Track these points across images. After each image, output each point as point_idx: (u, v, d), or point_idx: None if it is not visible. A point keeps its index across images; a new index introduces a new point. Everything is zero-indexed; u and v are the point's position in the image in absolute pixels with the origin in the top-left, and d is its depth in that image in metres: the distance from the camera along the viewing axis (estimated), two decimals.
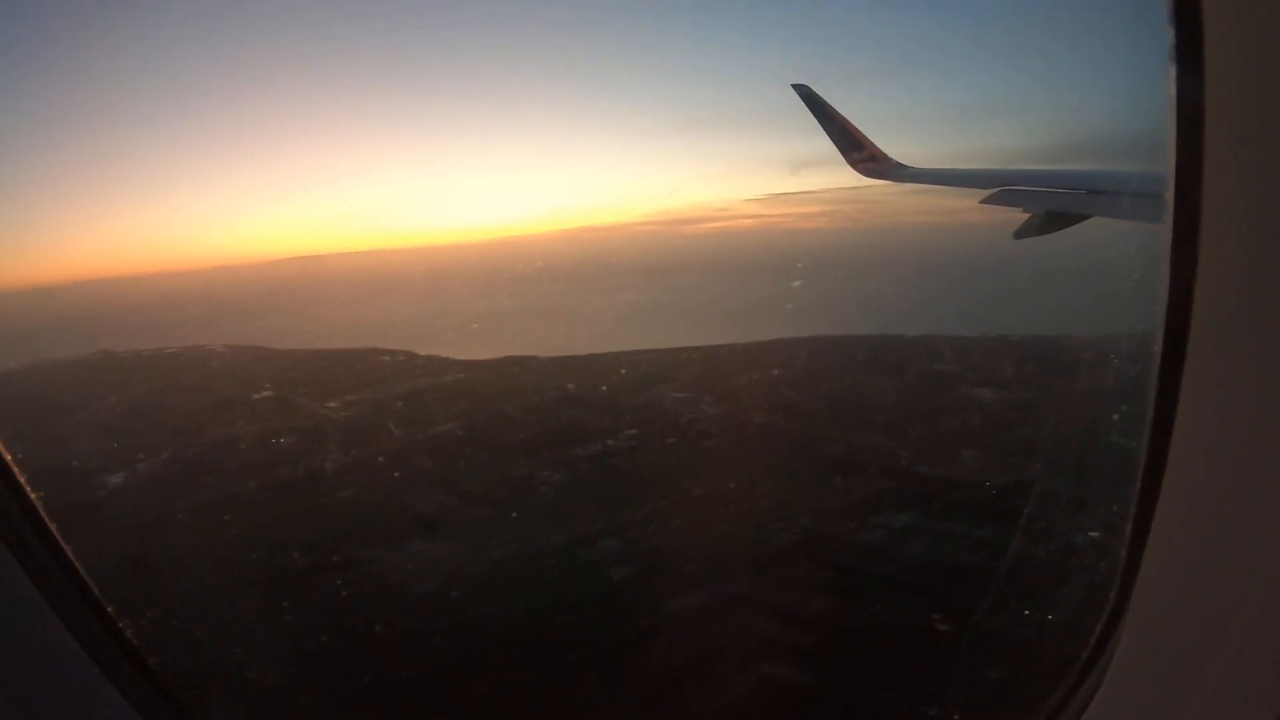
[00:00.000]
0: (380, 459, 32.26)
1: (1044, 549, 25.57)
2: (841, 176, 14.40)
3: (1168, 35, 1.79)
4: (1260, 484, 1.97)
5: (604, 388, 38.30)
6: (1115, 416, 25.16)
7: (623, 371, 40.47)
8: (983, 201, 11.51)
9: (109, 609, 2.66)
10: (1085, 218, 10.09)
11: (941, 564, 24.94)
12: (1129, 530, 2.71)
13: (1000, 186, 11.65)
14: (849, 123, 14.42)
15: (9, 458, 2.41)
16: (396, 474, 31.05)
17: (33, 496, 2.44)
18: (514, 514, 28.39)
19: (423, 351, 44.85)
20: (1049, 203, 10.64)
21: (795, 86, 14.40)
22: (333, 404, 37.54)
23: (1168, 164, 1.95)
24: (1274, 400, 1.89)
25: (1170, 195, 1.95)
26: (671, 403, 36.18)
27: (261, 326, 55.79)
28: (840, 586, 24.13)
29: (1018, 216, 11.12)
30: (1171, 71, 1.81)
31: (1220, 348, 1.98)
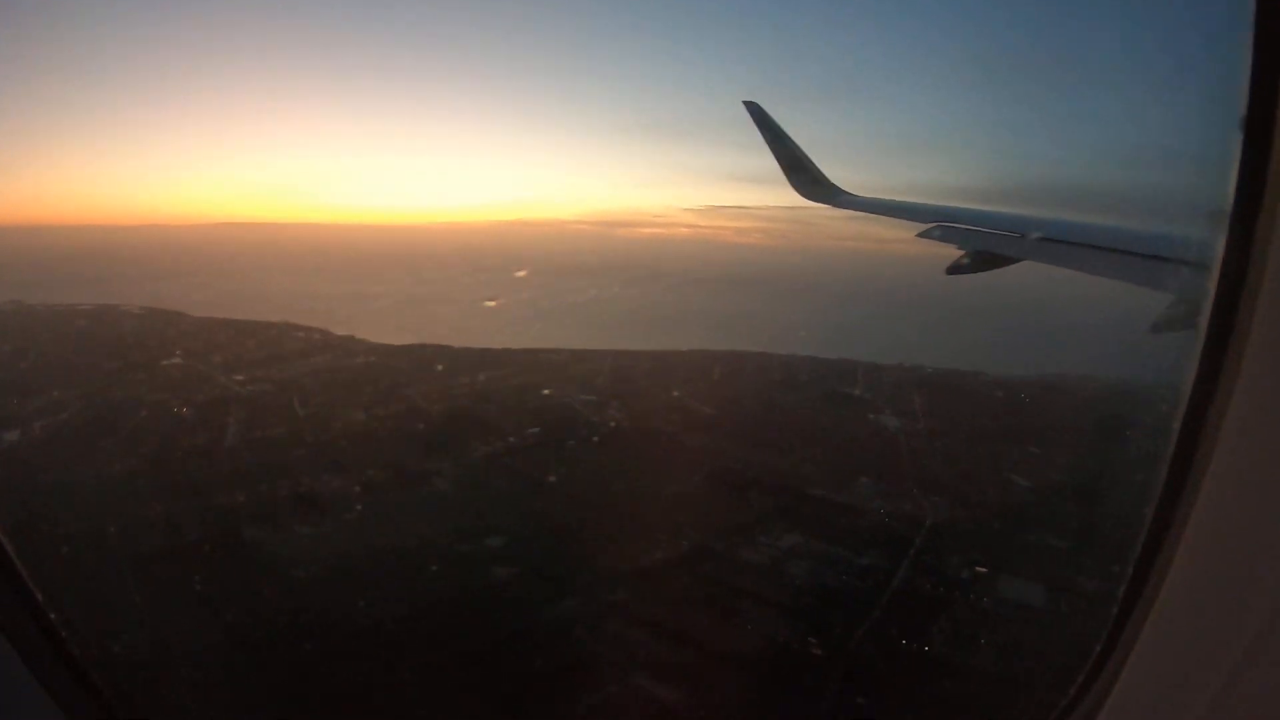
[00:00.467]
0: (278, 438, 31.63)
1: (929, 581, 25.72)
2: (781, 195, 14.26)
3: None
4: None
5: (514, 384, 37.84)
6: (1015, 455, 25.42)
7: (536, 369, 40.02)
8: (919, 235, 11.44)
9: None
10: (1017, 260, 9.89)
11: (823, 588, 24.93)
12: (1145, 536, 2.72)
13: (937, 221, 11.52)
14: (795, 144, 14.28)
15: None
16: (292, 454, 30.37)
17: None
18: (402, 504, 27.92)
19: (339, 331, 44.19)
20: (983, 243, 10.48)
21: (746, 104, 14.49)
22: (240, 377, 36.81)
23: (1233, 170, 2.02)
24: None
25: (1230, 201, 2.02)
26: (580, 405, 35.79)
27: (184, 291, 54.65)
28: (717, 603, 23.96)
29: (951, 253, 10.94)
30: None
31: (1265, 364, 1.98)
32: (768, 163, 14.15)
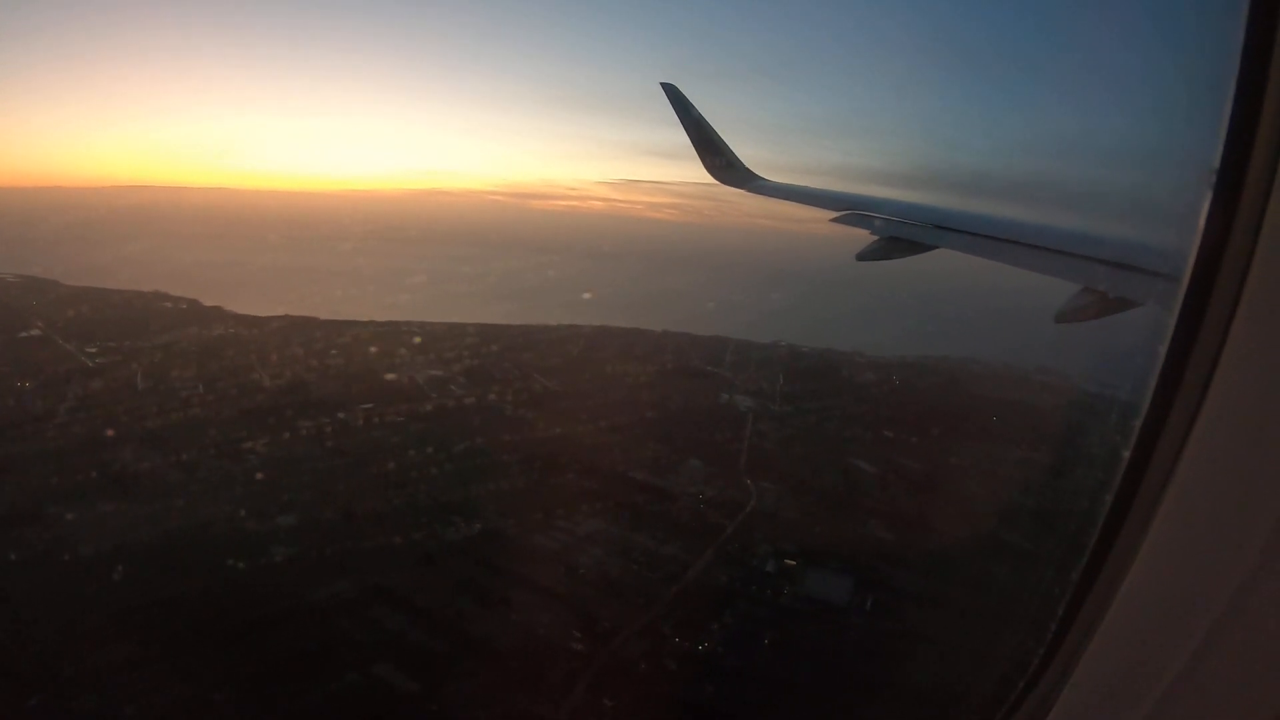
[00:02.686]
0: (109, 412, 30.89)
1: (726, 574, 24.92)
2: (696, 172, 13.73)
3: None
4: (1238, 493, 2.05)
5: (364, 357, 37.06)
6: (867, 438, 24.54)
7: (393, 342, 39.25)
8: (833, 220, 11.29)
9: None
10: (928, 248, 9.67)
11: (607, 579, 23.79)
12: (1096, 537, 2.50)
13: (849, 209, 11.40)
14: (711, 127, 13.86)
15: None
16: (119, 429, 29.67)
17: None
18: (208, 481, 27.15)
19: (208, 301, 43.69)
20: (894, 230, 10.24)
21: (664, 85, 14.14)
22: (92, 349, 36.08)
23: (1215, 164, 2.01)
24: (1255, 414, 2.01)
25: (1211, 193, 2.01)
26: (423, 380, 35.02)
27: (67, 257, 53.95)
28: (488, 590, 23.02)
29: (864, 238, 10.38)
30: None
31: (1241, 364, 2.02)
32: (684, 138, 13.93)
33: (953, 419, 34.76)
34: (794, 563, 24.91)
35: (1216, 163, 2.00)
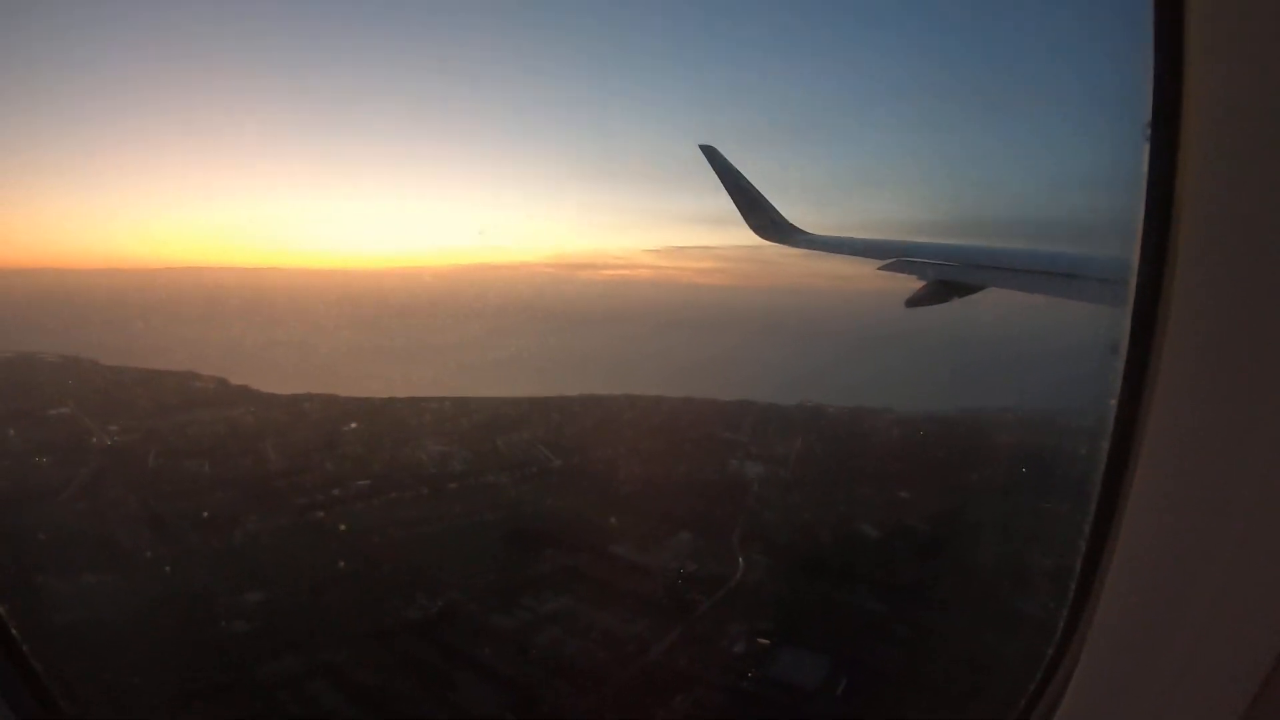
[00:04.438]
0: (115, 487, 31.40)
1: (689, 655, 23.66)
2: (742, 235, 14.18)
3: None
4: (1220, 488, 2.10)
5: (373, 434, 37.00)
6: (878, 501, 23.48)
7: (407, 418, 39.24)
8: (880, 269, 11.37)
9: None
10: (978, 289, 9.88)
11: (561, 661, 22.67)
12: (1088, 539, 2.65)
13: (895, 256, 11.51)
14: (751, 185, 14.19)
15: None
16: (120, 504, 30.12)
17: None
18: (190, 555, 27.24)
19: (236, 380, 43.88)
20: (942, 273, 10.47)
21: (702, 147, 14.38)
22: (114, 427, 36.64)
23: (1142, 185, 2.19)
24: (1235, 411, 2.06)
25: (1142, 207, 2.20)
26: (426, 456, 34.74)
27: (109, 338, 55.20)
28: (433, 670, 22.27)
29: (912, 285, 10.59)
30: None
31: (1186, 359, 2.12)
32: (728, 203, 14.21)
33: (976, 475, 33.14)
34: (766, 642, 23.61)
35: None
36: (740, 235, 13.99)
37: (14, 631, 2.79)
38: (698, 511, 30.58)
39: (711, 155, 14.17)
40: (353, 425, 37.67)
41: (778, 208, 14.18)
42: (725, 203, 14.07)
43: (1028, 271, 9.26)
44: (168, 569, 26.36)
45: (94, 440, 35.52)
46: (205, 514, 29.54)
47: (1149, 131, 2.11)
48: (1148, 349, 2.22)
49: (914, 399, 45.11)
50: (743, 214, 14.08)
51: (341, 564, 27.06)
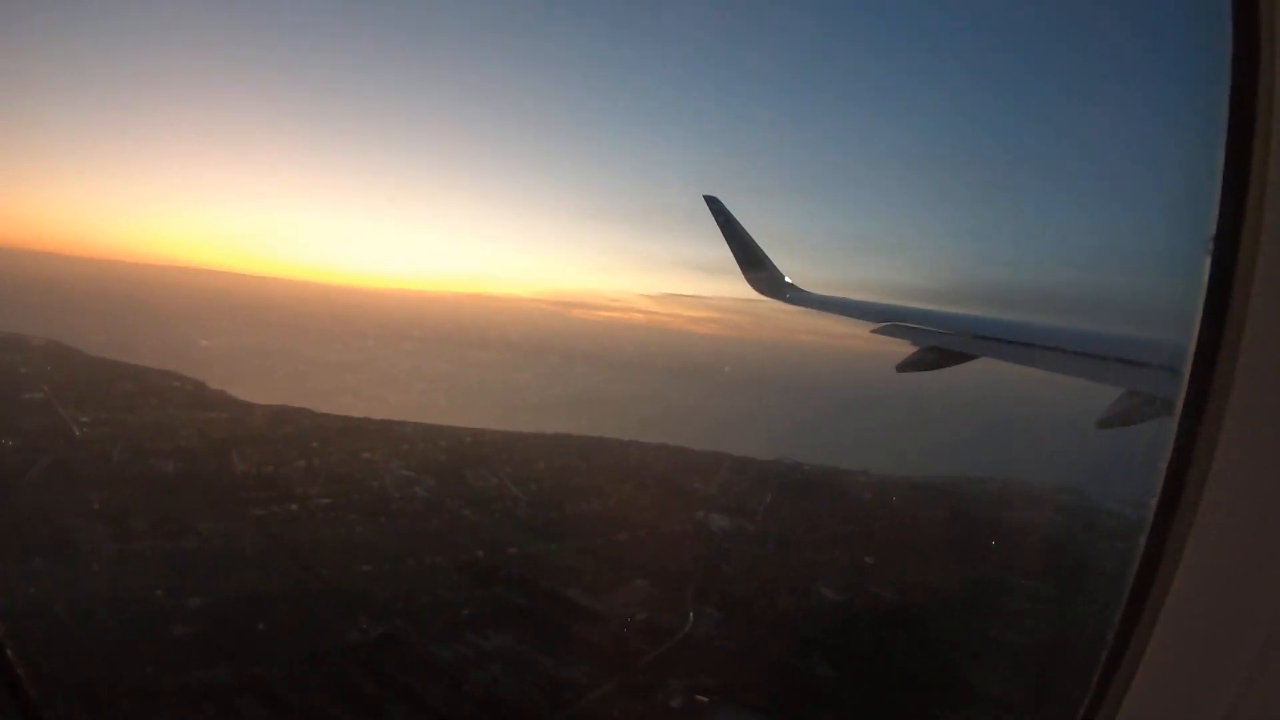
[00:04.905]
0: (72, 479, 31.06)
1: (624, 704, 23.05)
2: (738, 287, 14.17)
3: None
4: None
5: (343, 452, 36.72)
6: (841, 563, 23.07)
7: (377, 440, 38.82)
8: (873, 331, 11.48)
9: None
10: (969, 358, 9.81)
11: (492, 698, 22.08)
12: (1148, 544, 2.59)
13: (889, 320, 11.64)
14: (752, 239, 14.26)
15: None
16: (74, 497, 29.72)
17: None
18: (141, 556, 26.90)
19: (214, 385, 44.02)
20: (935, 340, 10.43)
21: (707, 198, 14.51)
22: (86, 419, 36.41)
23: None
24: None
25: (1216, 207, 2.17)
26: (391, 481, 34.44)
27: (98, 328, 55.47)
28: (363, 698, 21.85)
29: (904, 350, 10.45)
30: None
31: (1257, 367, 2.12)
32: (726, 253, 14.29)
33: (946, 543, 32.90)
34: (705, 699, 23.10)
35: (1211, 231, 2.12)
36: (736, 287, 14.05)
37: None
38: (657, 560, 30.12)
39: (714, 206, 14.24)
40: (323, 442, 37.34)
41: (776, 263, 14.23)
42: (723, 253, 14.15)
43: (1022, 344, 9.36)
44: (111, 565, 26.04)
45: (63, 429, 35.28)
46: (158, 514, 29.21)
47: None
48: (1216, 358, 2.19)
49: (893, 463, 45.00)
50: (741, 267, 14.15)
51: (288, 579, 26.66)
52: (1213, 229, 2.13)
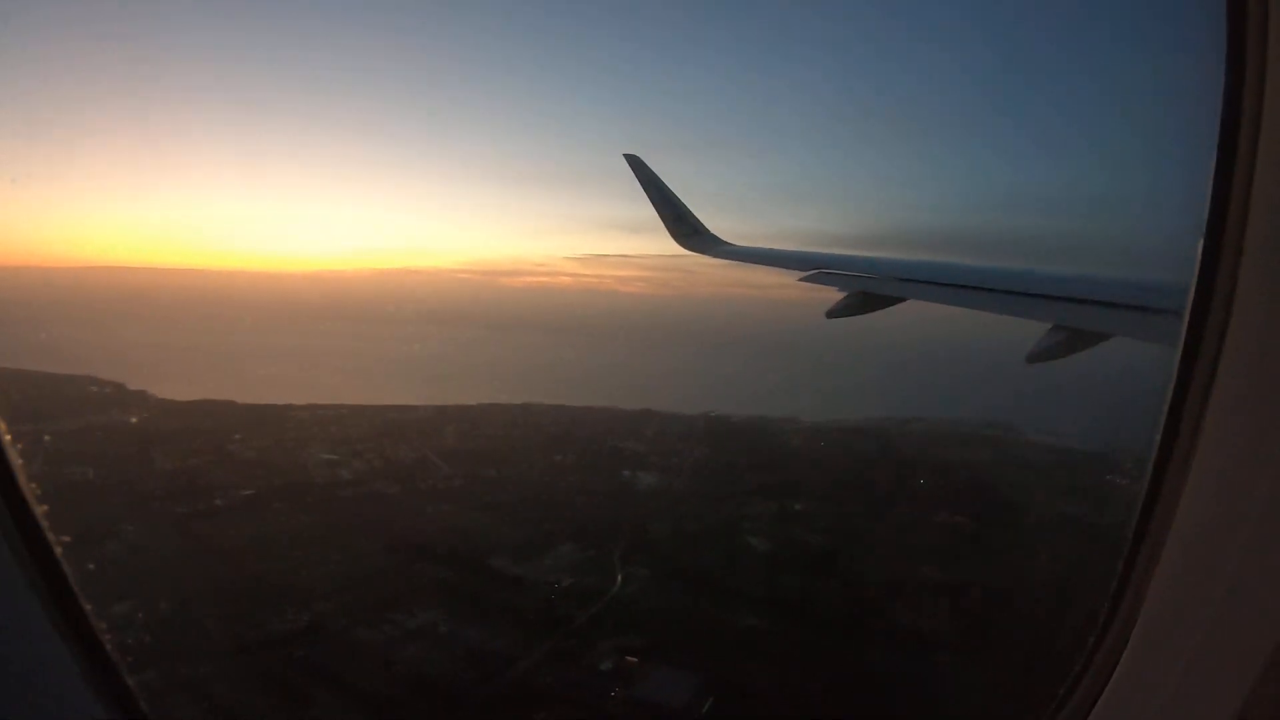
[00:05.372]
0: None
1: (553, 674, 22.97)
2: (664, 243, 14.30)
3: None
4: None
5: (266, 441, 36.33)
6: (771, 513, 23.09)
7: (302, 426, 38.46)
8: (801, 279, 11.59)
9: None
10: (897, 301, 10.04)
11: (419, 676, 22.02)
12: (1133, 542, 2.52)
13: (815, 269, 11.75)
14: (674, 195, 14.43)
15: None
16: None
17: None
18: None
19: (134, 385, 43.04)
20: (863, 285, 10.60)
21: (627, 156, 14.61)
22: None
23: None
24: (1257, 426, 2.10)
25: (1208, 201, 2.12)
26: (314, 465, 34.13)
27: (8, 339, 54.24)
28: (288, 686, 21.70)
29: (833, 297, 10.64)
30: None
31: (1244, 371, 2.11)
32: (649, 211, 14.45)
33: (875, 485, 33.17)
34: (634, 660, 23.13)
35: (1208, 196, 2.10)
36: (662, 244, 14.12)
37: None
38: (584, 523, 30.17)
39: (636, 165, 14.38)
40: (245, 433, 36.93)
41: (702, 218, 14.33)
42: (647, 210, 14.30)
43: (947, 285, 9.44)
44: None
45: None
46: (80, 523, 28.66)
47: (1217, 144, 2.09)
48: (1199, 345, 2.19)
49: (821, 409, 45.34)
50: (666, 223, 14.25)
51: (212, 576, 26.39)
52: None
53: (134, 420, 38.31)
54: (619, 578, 26.68)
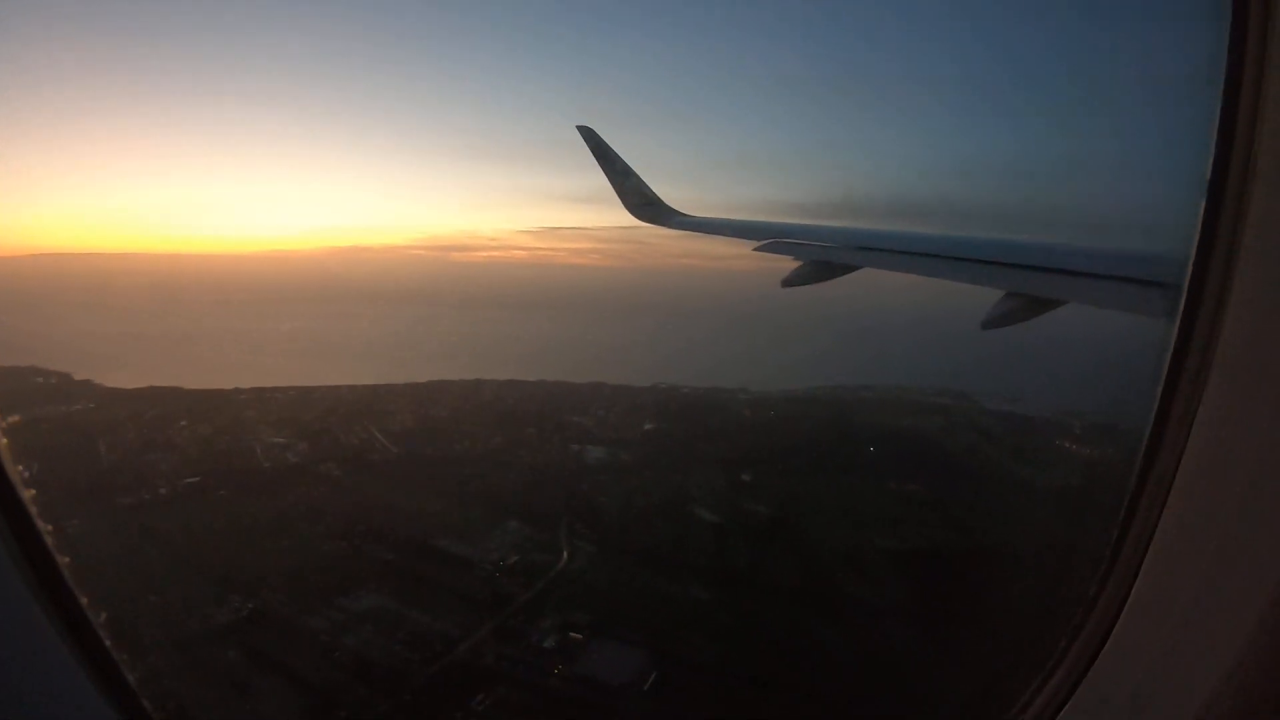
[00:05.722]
0: None
1: (496, 652, 22.80)
2: (618, 215, 14.29)
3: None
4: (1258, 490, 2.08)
5: (212, 427, 35.99)
6: (718, 484, 23.10)
7: (249, 409, 38.22)
8: (756, 249, 11.44)
9: None
10: (852, 269, 9.93)
11: (364, 660, 21.92)
12: (1121, 535, 2.46)
13: (770, 238, 11.62)
14: (628, 166, 14.31)
15: None
16: None
17: None
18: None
19: (80, 375, 42.53)
20: (818, 254, 10.53)
21: (580, 128, 14.58)
22: None
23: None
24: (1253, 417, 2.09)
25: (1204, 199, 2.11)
26: (261, 449, 33.85)
27: None
28: (232, 675, 21.60)
29: (788, 266, 10.44)
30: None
31: (1233, 367, 2.11)
32: (603, 182, 14.43)
33: (824, 454, 33.31)
34: (579, 636, 23.15)
35: (1208, 171, 2.06)
36: (616, 215, 14.13)
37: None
38: (531, 499, 30.12)
39: (589, 136, 14.35)
40: (192, 420, 36.61)
41: (656, 189, 14.35)
42: (600, 182, 14.28)
43: (902, 253, 9.46)
44: None
45: None
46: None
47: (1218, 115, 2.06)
48: (1191, 337, 2.18)
49: (774, 379, 45.33)
50: (619, 195, 14.28)
51: (156, 567, 26.18)
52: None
53: (79, 411, 37.81)
54: (565, 554, 26.61)
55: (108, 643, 2.43)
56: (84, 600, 2.42)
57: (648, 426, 36.46)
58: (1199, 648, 2.17)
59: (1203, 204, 2.11)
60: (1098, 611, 2.51)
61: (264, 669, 22.11)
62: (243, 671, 22.06)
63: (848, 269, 9.91)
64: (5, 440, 2.36)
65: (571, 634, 23.07)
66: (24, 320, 56.52)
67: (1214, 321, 2.11)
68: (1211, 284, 2.11)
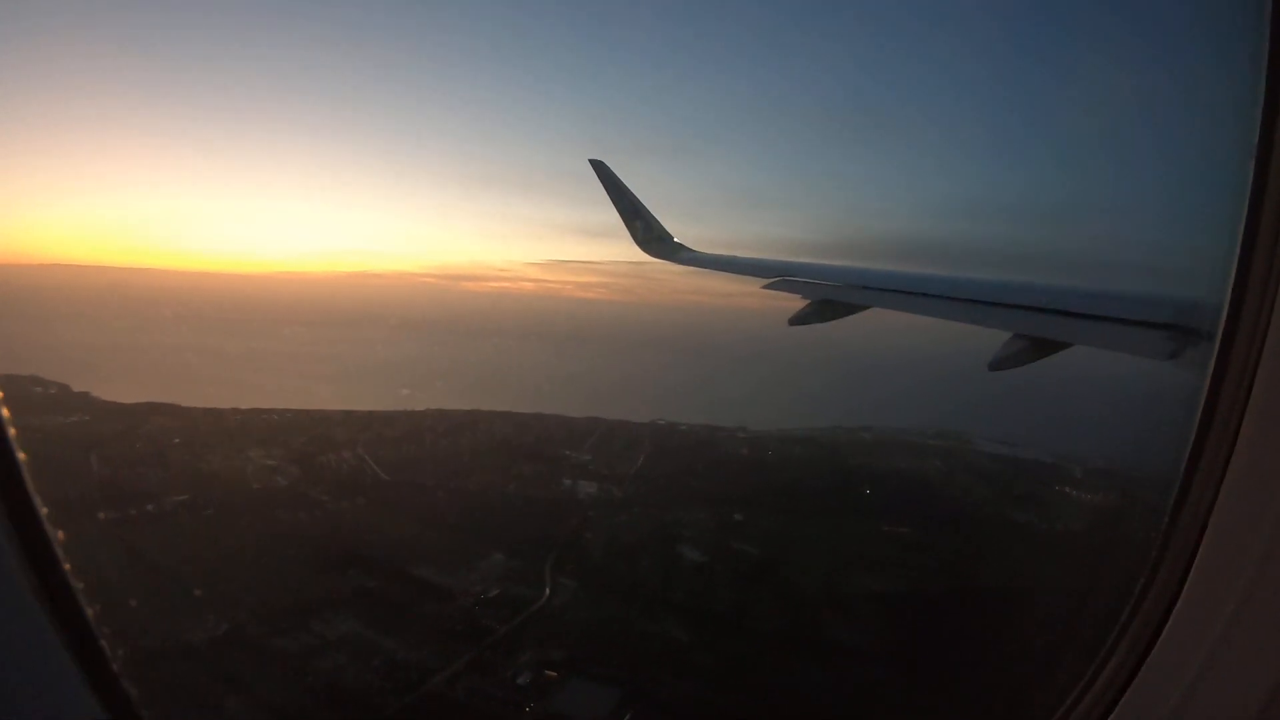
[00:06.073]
0: None
1: (469, 686, 22.34)
2: (625, 249, 14.23)
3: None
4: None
5: (205, 446, 35.91)
6: (708, 522, 22.95)
7: (242, 430, 38.05)
8: (764, 287, 11.41)
9: None
10: (860, 309, 9.88)
11: (335, 688, 21.72)
12: (1164, 544, 2.45)
13: (779, 276, 11.55)
14: (639, 201, 14.27)
15: None
16: None
17: None
18: None
19: (78, 387, 42.69)
20: (826, 293, 10.41)
21: (592, 161, 14.53)
22: None
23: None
24: None
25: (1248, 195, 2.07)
26: (252, 470, 33.72)
27: None
28: (202, 696, 21.56)
29: (795, 304, 10.36)
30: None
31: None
32: (612, 216, 14.38)
33: (819, 495, 33.11)
34: (554, 673, 22.90)
35: (1244, 212, 2.05)
36: (624, 250, 14.10)
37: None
38: (518, 532, 29.93)
39: (600, 169, 14.32)
40: (186, 437, 36.54)
41: (665, 224, 14.26)
42: (610, 216, 14.19)
43: (910, 293, 9.46)
44: None
45: None
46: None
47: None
48: (1230, 349, 2.15)
49: (773, 417, 45.25)
50: (629, 229, 14.21)
51: (132, 585, 25.93)
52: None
53: (75, 423, 37.81)
54: (547, 589, 26.38)
55: (107, 648, 2.55)
56: (86, 605, 2.50)
57: (642, 462, 36.26)
58: (1238, 669, 2.18)
59: (1240, 234, 2.10)
60: (1131, 633, 2.52)
61: (233, 690, 21.91)
62: (211, 691, 21.82)
63: (855, 309, 9.92)
64: (13, 431, 2.38)
65: (546, 671, 22.79)
66: (30, 329, 56.70)
67: (1256, 353, 2.09)
68: (1252, 292, 2.09)
